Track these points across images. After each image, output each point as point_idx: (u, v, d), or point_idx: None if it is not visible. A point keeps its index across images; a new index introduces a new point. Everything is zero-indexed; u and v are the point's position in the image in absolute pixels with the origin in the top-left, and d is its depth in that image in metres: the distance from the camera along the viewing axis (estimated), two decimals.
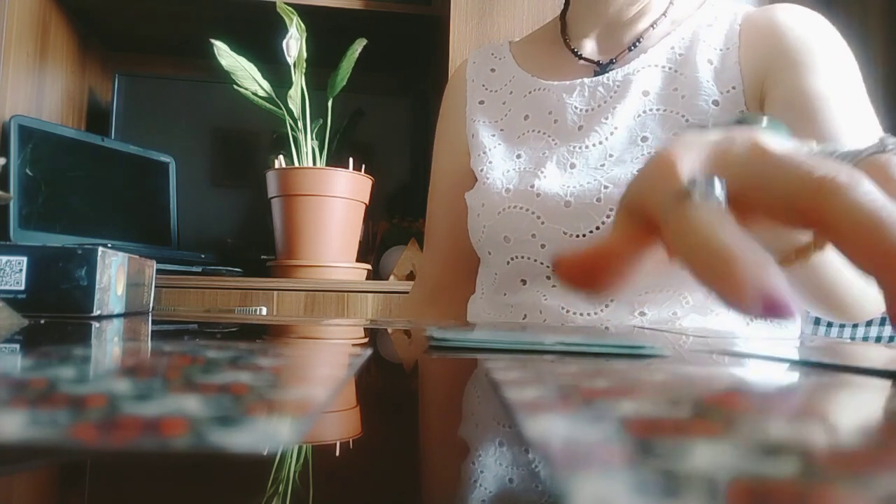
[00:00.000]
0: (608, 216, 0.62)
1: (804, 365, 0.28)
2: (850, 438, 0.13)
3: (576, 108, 0.70)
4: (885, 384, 0.23)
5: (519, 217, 0.66)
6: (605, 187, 0.63)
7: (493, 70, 0.79)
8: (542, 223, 0.65)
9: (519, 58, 0.79)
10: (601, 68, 0.71)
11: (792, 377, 0.26)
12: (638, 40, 0.71)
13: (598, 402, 0.16)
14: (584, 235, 0.63)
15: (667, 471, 0.10)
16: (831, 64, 0.60)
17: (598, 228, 0.63)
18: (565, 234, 0.64)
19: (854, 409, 0.17)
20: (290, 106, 1.40)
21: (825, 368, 0.27)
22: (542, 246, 0.65)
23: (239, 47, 1.39)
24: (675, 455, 0.11)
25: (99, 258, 0.42)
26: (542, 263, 0.66)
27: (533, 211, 0.65)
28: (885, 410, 0.18)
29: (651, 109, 0.66)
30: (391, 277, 1.52)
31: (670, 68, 0.68)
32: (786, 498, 0.09)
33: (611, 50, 0.73)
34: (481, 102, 0.77)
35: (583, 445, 0.11)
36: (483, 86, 0.79)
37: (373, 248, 1.65)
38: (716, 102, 0.64)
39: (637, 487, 0.09)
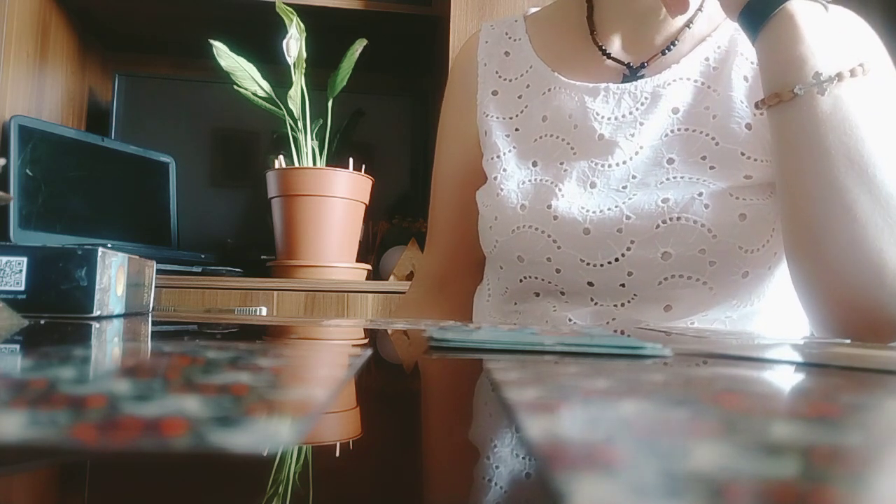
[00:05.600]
0: (629, 248, 0.59)
1: (805, 366, 0.28)
2: (850, 438, 0.13)
3: (598, 114, 0.65)
4: (887, 382, 0.23)
5: (534, 238, 0.62)
6: (628, 218, 0.59)
7: (507, 54, 0.73)
8: (559, 248, 0.61)
9: (537, 43, 0.72)
10: (630, 73, 0.66)
11: (792, 378, 0.26)
12: (672, 43, 0.66)
13: (598, 402, 0.16)
14: (601, 265, 0.60)
15: (667, 471, 0.10)
16: (886, 85, 0.57)
17: (616, 260, 0.60)
18: (582, 261, 0.61)
19: (854, 409, 0.17)
20: (290, 106, 1.40)
21: (826, 369, 0.27)
22: (558, 270, 0.62)
23: (239, 48, 1.39)
24: (676, 455, 0.11)
25: (99, 258, 0.42)
26: (556, 285, 0.63)
27: (549, 234, 0.62)
28: (886, 409, 0.18)
29: (679, 129, 0.62)
30: (391, 277, 1.52)
31: (703, 83, 0.63)
32: (786, 498, 0.09)
33: (641, 50, 0.67)
34: (494, 93, 0.72)
35: (583, 445, 0.11)
36: (496, 73, 0.73)
37: (373, 248, 1.65)
38: (748, 126, 0.60)
39: (637, 487, 0.09)
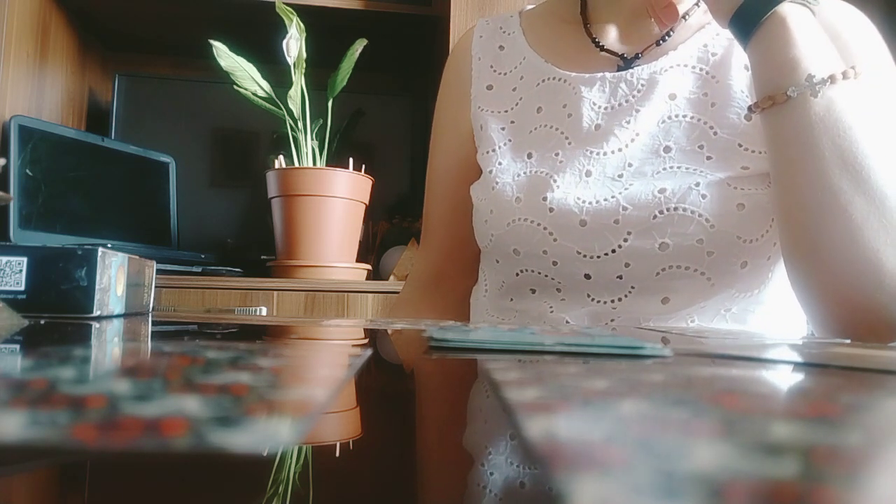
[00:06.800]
0: (626, 239, 0.59)
1: (805, 366, 0.28)
2: (850, 438, 0.13)
3: (594, 103, 0.64)
4: (887, 382, 0.23)
5: (530, 231, 0.62)
6: (624, 208, 0.58)
7: (501, 48, 0.73)
8: (555, 240, 0.61)
9: (530, 36, 0.72)
10: (625, 63, 0.66)
11: (792, 378, 0.26)
12: (668, 33, 0.65)
13: (598, 402, 0.16)
14: (598, 257, 0.60)
15: (667, 471, 0.10)
16: (886, 81, 0.57)
17: (613, 251, 0.59)
18: (579, 253, 0.60)
19: (854, 409, 0.17)
20: (290, 106, 1.40)
21: (826, 369, 0.27)
22: (554, 263, 0.62)
23: (239, 48, 1.39)
24: (675, 455, 0.11)
25: (99, 258, 0.42)
26: (553, 279, 0.63)
27: (545, 227, 0.61)
28: (886, 409, 0.18)
29: (677, 115, 0.61)
30: (391, 277, 1.52)
31: (702, 69, 0.63)
32: (786, 498, 0.09)
33: (636, 41, 0.67)
34: (489, 88, 0.72)
35: (583, 445, 0.11)
36: (491, 67, 0.72)
37: (373, 248, 1.65)
38: (748, 117, 0.59)
39: (637, 487, 0.09)
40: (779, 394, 0.22)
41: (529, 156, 0.66)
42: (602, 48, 0.67)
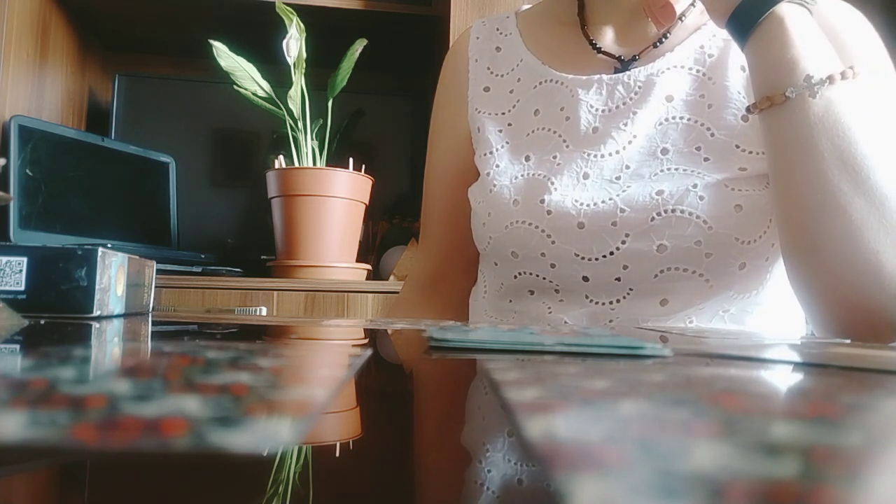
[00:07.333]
0: (624, 241, 0.59)
1: (805, 366, 0.28)
2: (850, 438, 0.13)
3: (591, 106, 0.64)
4: (887, 382, 0.23)
5: (528, 234, 0.62)
6: (622, 210, 0.58)
7: (498, 49, 0.73)
8: (553, 242, 0.61)
9: (527, 38, 0.72)
10: (622, 65, 0.66)
11: (792, 378, 0.26)
12: (665, 35, 0.65)
13: (598, 402, 0.16)
14: (596, 259, 0.60)
15: (667, 471, 0.10)
16: (884, 80, 0.57)
17: (611, 254, 0.59)
18: (577, 255, 0.60)
19: (854, 409, 0.17)
20: (290, 106, 1.40)
21: (826, 369, 0.27)
22: (553, 265, 0.62)
23: (239, 48, 1.39)
24: (675, 455, 0.11)
25: (99, 258, 0.42)
26: (551, 281, 0.63)
27: (543, 229, 0.61)
28: (886, 409, 0.18)
29: (674, 117, 0.61)
30: (391, 277, 1.52)
31: (698, 71, 0.62)
32: (786, 498, 0.09)
33: (633, 43, 0.67)
34: (486, 90, 0.72)
35: (582, 445, 0.11)
36: (488, 69, 0.72)
37: (373, 248, 1.65)
38: (745, 118, 0.59)
39: (637, 487, 0.09)
40: (779, 394, 0.22)
41: (527, 158, 0.66)
42: (599, 50, 0.67)
